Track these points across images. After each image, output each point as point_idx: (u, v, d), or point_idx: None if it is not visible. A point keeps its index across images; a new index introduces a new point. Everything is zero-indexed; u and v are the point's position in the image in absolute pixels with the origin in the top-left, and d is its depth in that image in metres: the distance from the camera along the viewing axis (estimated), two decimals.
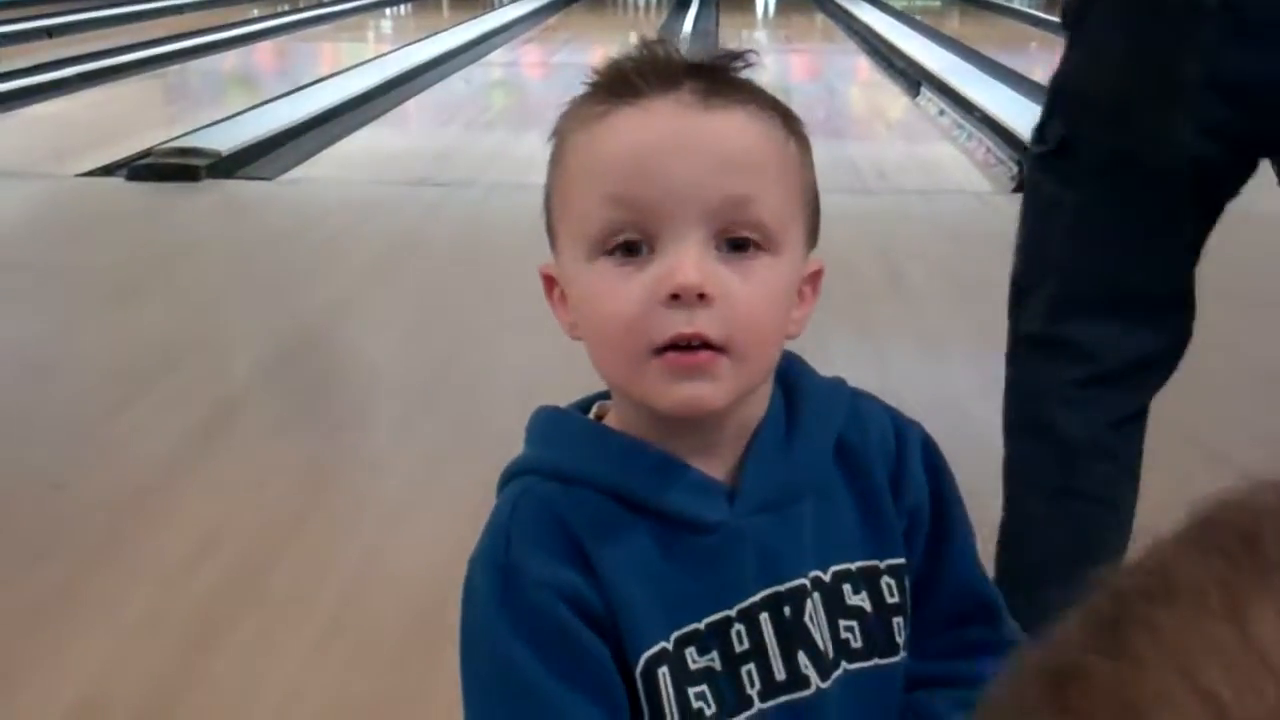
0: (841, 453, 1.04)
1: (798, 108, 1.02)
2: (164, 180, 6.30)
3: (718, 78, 0.97)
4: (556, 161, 1.00)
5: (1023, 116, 7.66)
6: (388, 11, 17.21)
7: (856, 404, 1.07)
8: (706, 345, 0.93)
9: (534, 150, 1.02)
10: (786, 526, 1.00)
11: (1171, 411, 2.13)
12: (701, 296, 0.92)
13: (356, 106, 8.57)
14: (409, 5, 17.68)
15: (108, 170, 6.63)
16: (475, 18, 15.00)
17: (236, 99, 9.17)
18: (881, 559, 1.03)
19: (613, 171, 0.94)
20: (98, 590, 2.74)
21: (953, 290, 4.67)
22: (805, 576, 1.00)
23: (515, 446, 1.02)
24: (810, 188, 1.00)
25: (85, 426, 3.56)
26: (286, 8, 16.05)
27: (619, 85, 0.96)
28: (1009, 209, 6.72)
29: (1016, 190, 6.30)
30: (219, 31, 12.48)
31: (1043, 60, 10.53)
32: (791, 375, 1.04)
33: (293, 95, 8.86)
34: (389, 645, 2.52)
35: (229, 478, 3.25)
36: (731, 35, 13.30)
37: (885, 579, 1.03)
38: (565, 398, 1.05)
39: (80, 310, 4.56)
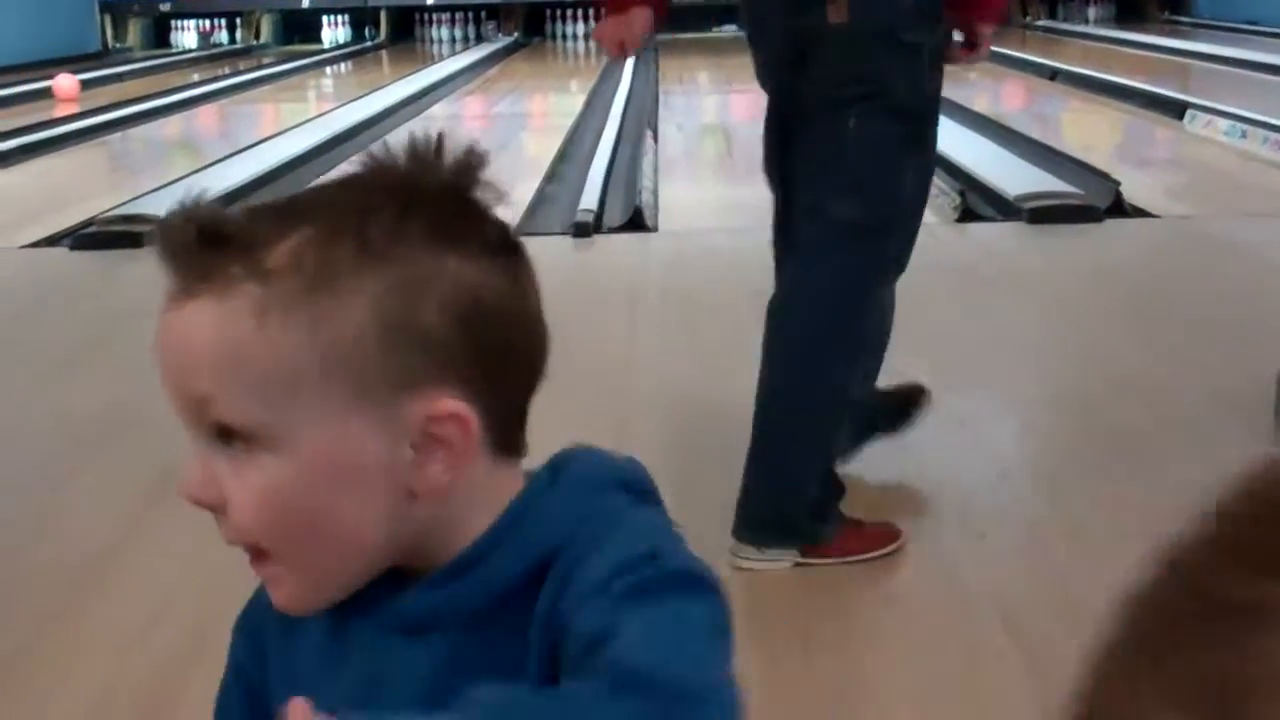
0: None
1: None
2: (108, 249, 6.26)
3: None
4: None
5: (964, 148, 7.72)
6: (328, 70, 17.21)
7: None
8: None
9: None
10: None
11: None
12: None
13: (299, 165, 8.54)
14: (349, 63, 17.67)
15: (52, 241, 6.59)
16: (416, 72, 15.02)
17: (179, 164, 9.14)
18: None
19: None
20: (49, 662, 2.71)
21: (897, 319, 4.68)
22: None
23: None
24: None
25: (32, 498, 3.53)
26: (226, 71, 16.03)
27: None
28: (952, 239, 6.75)
29: (960, 220, 6.33)
30: (160, 98, 12.43)
31: (984, 92, 10.63)
32: None
33: (235, 158, 8.83)
34: None
35: (180, 542, 3.22)
36: (674, 79, 13.36)
37: None
38: None
39: (27, 381, 4.51)
